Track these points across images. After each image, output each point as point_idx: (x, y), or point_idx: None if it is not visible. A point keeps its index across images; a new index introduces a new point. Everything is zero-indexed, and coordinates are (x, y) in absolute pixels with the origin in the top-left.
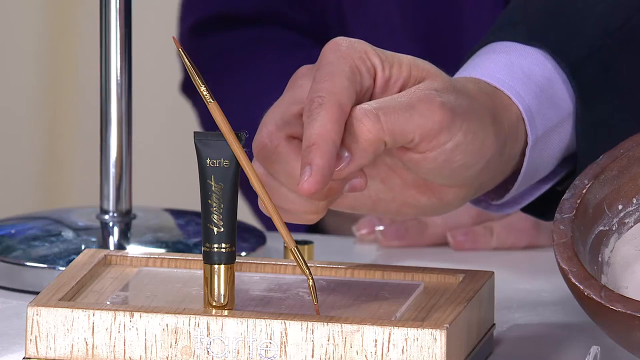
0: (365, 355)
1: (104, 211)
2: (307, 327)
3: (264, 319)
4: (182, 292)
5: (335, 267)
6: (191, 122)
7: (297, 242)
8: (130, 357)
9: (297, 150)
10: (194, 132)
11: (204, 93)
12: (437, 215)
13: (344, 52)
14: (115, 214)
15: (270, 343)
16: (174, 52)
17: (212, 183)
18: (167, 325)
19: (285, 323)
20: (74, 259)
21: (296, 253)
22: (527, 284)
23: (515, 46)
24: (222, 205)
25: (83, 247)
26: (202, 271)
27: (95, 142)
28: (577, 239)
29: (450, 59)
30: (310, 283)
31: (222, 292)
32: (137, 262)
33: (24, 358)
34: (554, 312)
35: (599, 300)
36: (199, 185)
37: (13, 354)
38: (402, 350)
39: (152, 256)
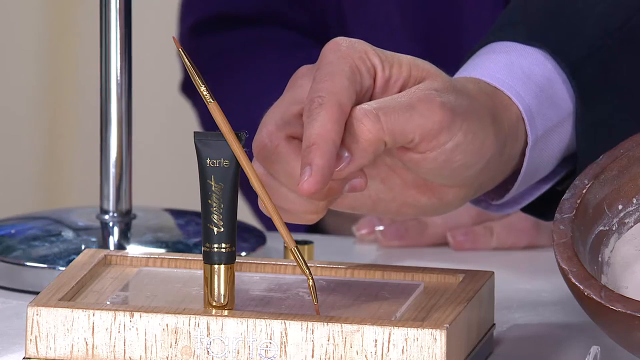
0: (365, 355)
1: (104, 211)
2: (307, 327)
3: (264, 319)
4: (182, 292)
5: (335, 267)
6: (191, 122)
7: (297, 242)
8: (130, 357)
9: (297, 150)
10: (194, 132)
11: (204, 93)
12: (437, 215)
13: (344, 52)
14: (115, 214)
15: (270, 343)
16: (174, 52)
17: (212, 183)
18: (167, 325)
19: (285, 323)
20: (74, 259)
21: (296, 253)
22: (527, 284)
23: (515, 46)
24: (222, 205)
25: (83, 247)
26: (202, 271)
27: (95, 142)
28: (577, 239)
29: (450, 59)
30: (310, 283)
31: (222, 292)
32: (137, 262)
33: (24, 358)
34: (554, 312)
35: (599, 300)
36: (199, 185)
37: (13, 354)
38: (402, 350)
39: (152, 256)
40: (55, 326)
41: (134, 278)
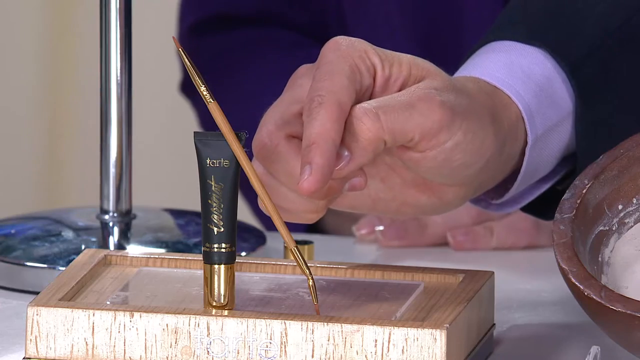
0: (365, 355)
1: (104, 211)
2: (307, 327)
3: (264, 319)
4: (182, 292)
5: (335, 267)
6: (191, 122)
7: (297, 242)
8: (130, 357)
9: (297, 150)
10: (194, 132)
11: (204, 93)
12: (437, 214)
13: (344, 51)
14: (115, 214)
15: (270, 343)
16: (174, 52)
17: (212, 183)
18: (167, 325)
19: (285, 323)
20: (74, 259)
21: (296, 253)
22: (527, 284)
23: (515, 45)
24: (222, 205)
25: (83, 247)
26: (202, 271)
27: (95, 142)
28: (577, 239)
29: (450, 59)
30: (310, 283)
31: (222, 292)
32: (137, 262)
33: (24, 358)
34: (554, 312)
35: (599, 300)
36: (199, 185)
37: (13, 354)
38: (402, 350)
39: (152, 256)
40: (55, 326)
41: (134, 278)
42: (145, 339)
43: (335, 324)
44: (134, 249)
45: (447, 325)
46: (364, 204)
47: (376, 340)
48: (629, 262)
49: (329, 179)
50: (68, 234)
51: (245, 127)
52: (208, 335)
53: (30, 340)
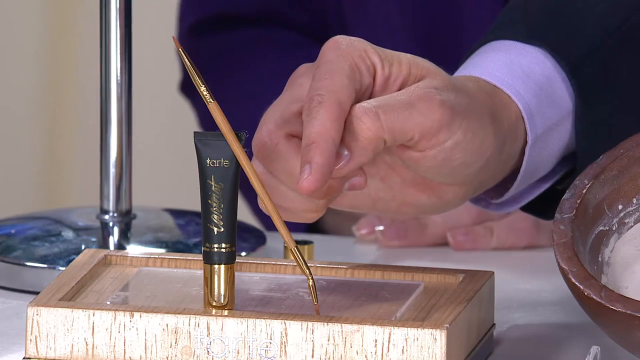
0: (365, 355)
1: (104, 211)
2: (307, 327)
3: (264, 319)
4: (182, 292)
5: (335, 267)
6: (191, 122)
7: (297, 242)
8: (130, 357)
9: (296, 149)
10: (194, 132)
11: (204, 93)
12: (436, 213)
13: (344, 50)
14: (115, 214)
15: (270, 343)
16: (174, 52)
17: (212, 183)
18: (167, 325)
19: (285, 323)
20: (74, 259)
21: (296, 253)
22: (527, 284)
23: (514, 45)
24: (222, 205)
25: (83, 247)
26: (202, 271)
27: (95, 142)
28: (577, 239)
29: (450, 59)
30: (310, 283)
31: (222, 292)
32: (137, 262)
33: (24, 358)
34: (554, 312)
35: (599, 300)
36: (199, 185)
37: (13, 354)
38: (402, 350)
39: (152, 256)
40: (55, 326)
41: (134, 278)
42: (145, 339)
43: (335, 324)
44: (134, 249)
45: (447, 325)
46: (364, 203)
47: (376, 340)
48: (629, 262)
49: (329, 178)
50: (68, 234)
51: (245, 127)
52: (208, 335)
53: (30, 340)
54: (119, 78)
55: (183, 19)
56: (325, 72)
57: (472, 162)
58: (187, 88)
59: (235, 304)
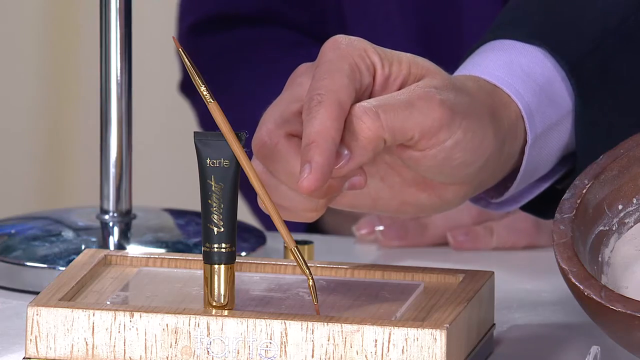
0: (365, 355)
1: (104, 211)
2: (307, 327)
3: (264, 319)
4: (182, 292)
5: (335, 267)
6: (191, 122)
7: (297, 242)
8: (130, 357)
9: (296, 148)
10: (194, 132)
11: (204, 93)
12: (436, 213)
13: (344, 49)
14: (115, 214)
15: (270, 343)
16: (174, 52)
17: (212, 183)
18: (167, 325)
19: (285, 323)
20: (74, 259)
21: (296, 253)
22: (527, 284)
23: (514, 44)
24: (222, 205)
25: (83, 247)
26: (202, 271)
27: (95, 142)
28: (577, 239)
29: (450, 58)
30: (310, 283)
31: (222, 292)
32: (137, 262)
33: (24, 358)
34: (554, 312)
35: (599, 300)
36: (199, 185)
37: (13, 354)
38: (402, 350)
39: (152, 256)
40: (55, 326)
41: (134, 278)
42: (145, 339)
43: (335, 324)
44: (134, 249)
45: (447, 325)
46: (364, 202)
47: (376, 340)
48: (629, 262)
49: (329, 177)
50: (68, 234)
51: (245, 127)
52: (208, 335)
53: (30, 340)
54: (119, 78)
55: (183, 19)
56: (325, 72)
57: (472, 162)
58: (187, 88)
59: (235, 304)
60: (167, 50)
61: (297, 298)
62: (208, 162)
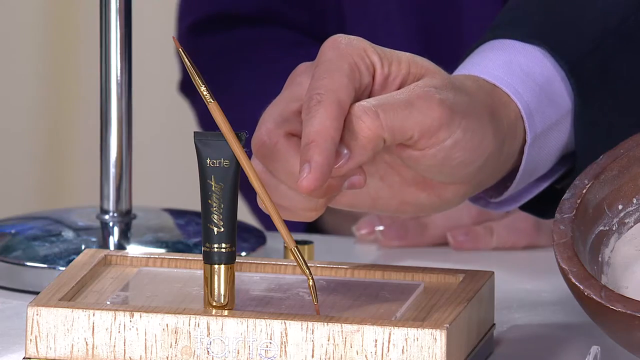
0: (365, 355)
1: (104, 211)
2: (307, 327)
3: (264, 319)
4: (182, 292)
5: (335, 267)
6: (191, 122)
7: (297, 242)
8: (130, 357)
9: (296, 148)
10: (194, 132)
11: (204, 93)
12: (436, 212)
13: (343, 49)
14: (115, 214)
15: (271, 343)
16: (174, 52)
17: (212, 183)
18: (167, 325)
19: (285, 323)
20: (74, 259)
21: (296, 253)
22: (527, 284)
23: (514, 44)
24: (222, 205)
25: (83, 247)
26: (202, 271)
27: (96, 142)
28: (577, 239)
29: (449, 58)
30: (310, 283)
31: (222, 292)
32: (137, 262)
33: (24, 358)
34: (554, 312)
35: (599, 300)
36: (199, 185)
37: (13, 354)
38: (402, 350)
39: (152, 256)
40: (55, 326)
41: (134, 278)
42: (145, 339)
43: (335, 324)
44: (134, 249)
45: (447, 325)
46: (364, 202)
47: (376, 340)
48: (629, 262)
49: (328, 177)
50: (68, 234)
51: (245, 126)
52: (208, 335)
53: (30, 340)
54: (119, 78)
55: (182, 19)
56: (325, 71)
57: (471, 161)
58: (186, 88)
59: (235, 304)
60: (167, 50)
61: (297, 298)
62: (208, 162)
